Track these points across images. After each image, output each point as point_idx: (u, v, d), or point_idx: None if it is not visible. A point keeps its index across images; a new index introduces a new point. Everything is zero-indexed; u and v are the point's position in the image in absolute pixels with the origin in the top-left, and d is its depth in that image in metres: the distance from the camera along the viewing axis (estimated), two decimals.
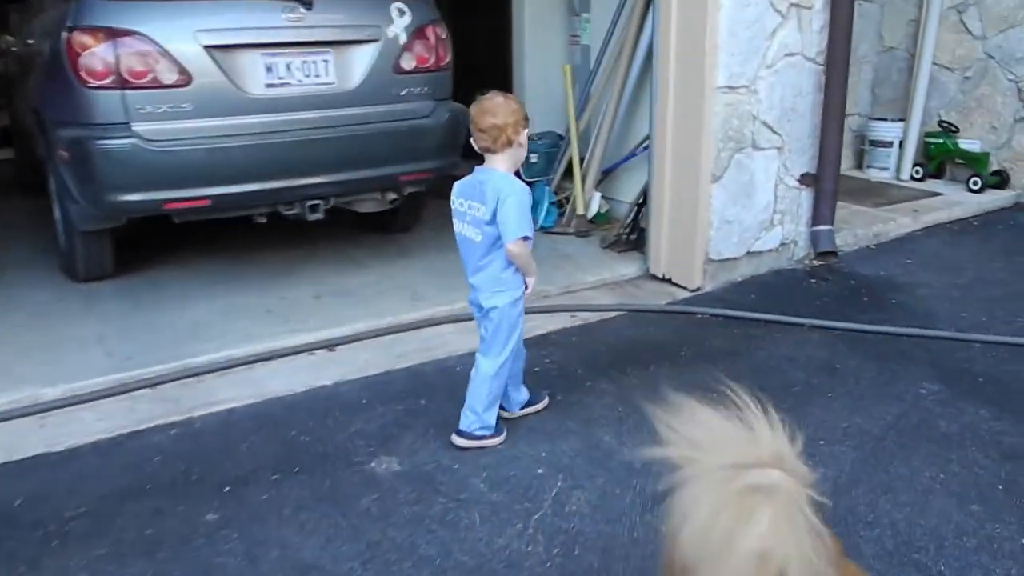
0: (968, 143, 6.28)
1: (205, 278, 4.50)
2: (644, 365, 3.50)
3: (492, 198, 2.60)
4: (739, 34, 4.05)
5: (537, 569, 2.29)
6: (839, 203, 4.76)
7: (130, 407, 3.17)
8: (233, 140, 3.79)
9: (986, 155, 6.17)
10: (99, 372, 3.37)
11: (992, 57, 6.16)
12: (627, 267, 4.65)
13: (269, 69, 3.86)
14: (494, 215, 2.60)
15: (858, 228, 5.11)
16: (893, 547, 2.36)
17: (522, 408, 3.08)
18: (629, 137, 5.28)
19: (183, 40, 3.66)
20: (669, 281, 4.47)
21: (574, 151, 5.41)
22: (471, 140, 2.73)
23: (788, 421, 1.41)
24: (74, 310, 4.07)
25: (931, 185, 6.30)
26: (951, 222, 5.64)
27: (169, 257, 4.81)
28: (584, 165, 5.40)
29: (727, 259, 4.42)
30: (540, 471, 2.74)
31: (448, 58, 4.43)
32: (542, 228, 5.39)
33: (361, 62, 4.09)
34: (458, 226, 2.80)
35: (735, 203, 4.33)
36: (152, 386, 3.32)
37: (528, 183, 5.85)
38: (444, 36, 4.36)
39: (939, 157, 6.40)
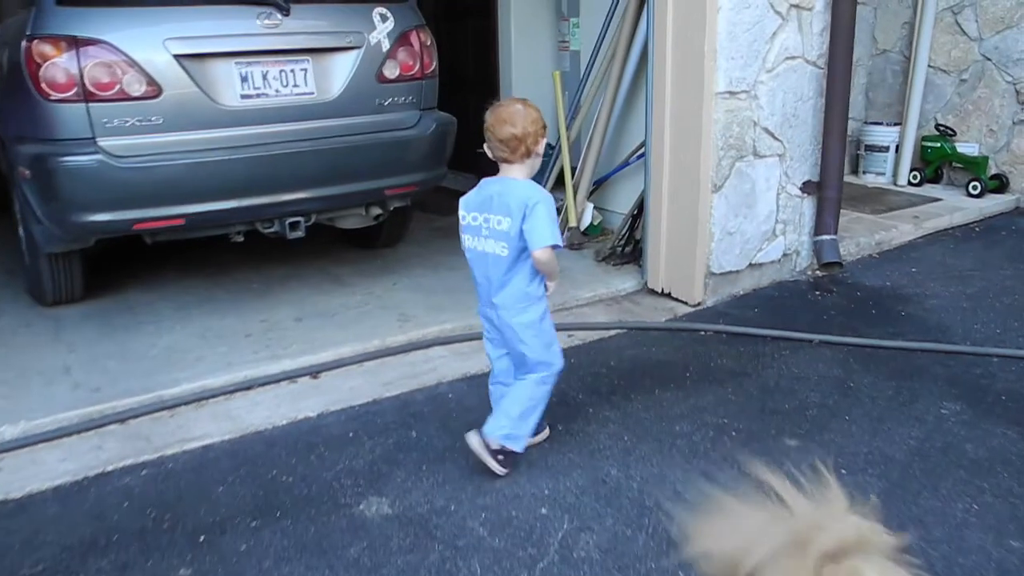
0: (966, 147, 6.14)
1: (181, 300, 4.26)
2: (648, 389, 3.30)
3: (518, 207, 2.43)
4: (739, 37, 3.87)
5: None
6: None
7: (97, 445, 2.94)
8: (207, 155, 3.56)
9: (985, 159, 6.03)
10: (64, 406, 3.13)
11: (989, 59, 6.02)
12: (624, 281, 4.45)
13: (244, 79, 3.64)
14: (522, 225, 2.44)
15: (860, 236, 4.94)
16: None
17: None
18: (622, 145, 5.09)
19: (152, 49, 3.43)
20: (668, 296, 4.28)
21: (565, 161, 5.21)
22: (484, 148, 2.56)
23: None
24: (40, 337, 3.82)
25: (929, 190, 6.16)
26: (952, 228, 5.49)
27: (143, 278, 4.57)
28: (576, 175, 5.20)
29: (728, 272, 4.23)
30: (544, 511, 2.52)
31: (434, 65, 4.22)
32: None
33: (342, 70, 3.88)
34: (472, 242, 2.60)
35: (736, 214, 4.14)
36: (122, 421, 3.08)
37: None
38: (429, 42, 4.16)
39: (936, 161, 6.25)
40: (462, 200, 2.63)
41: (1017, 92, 5.91)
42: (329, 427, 3.05)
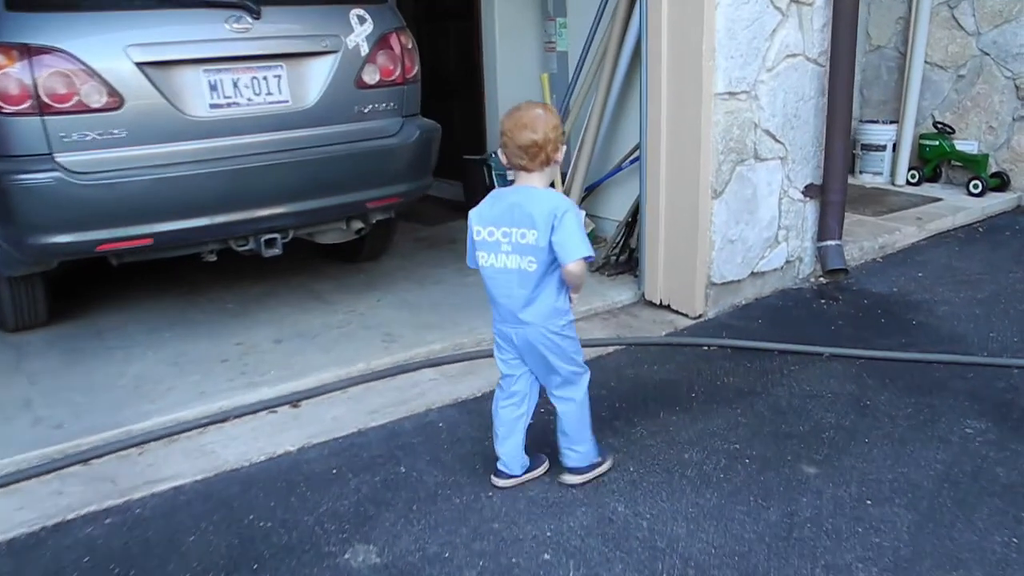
0: (965, 144, 5.97)
1: (152, 322, 4.02)
2: (653, 412, 3.08)
3: (546, 218, 2.27)
4: (738, 35, 3.66)
5: None
6: None
7: (58, 490, 2.69)
8: (175, 169, 3.32)
9: (985, 157, 5.86)
10: (23, 446, 2.88)
11: (987, 54, 5.85)
12: (620, 293, 4.23)
13: (213, 87, 3.40)
14: (551, 237, 2.28)
15: (863, 240, 4.75)
16: None
17: (524, 473, 2.65)
18: (614, 150, 4.88)
19: (112, 57, 3.19)
20: (668, 307, 4.07)
21: None
22: (500, 155, 2.39)
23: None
24: None
25: (928, 190, 5.98)
26: (955, 229, 5.31)
27: (113, 298, 4.32)
28: (566, 181, 4.99)
29: (730, 282, 4.02)
30: (547, 556, 2.30)
31: (415, 70, 4.00)
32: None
33: (318, 77, 3.64)
34: (489, 259, 2.41)
35: (738, 220, 3.94)
36: (85, 461, 2.84)
37: None
38: (410, 45, 3.93)
39: (935, 160, 6.07)
40: (473, 214, 2.44)
41: (1017, 87, 5.73)
42: (311, 463, 2.81)
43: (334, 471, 2.76)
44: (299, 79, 3.61)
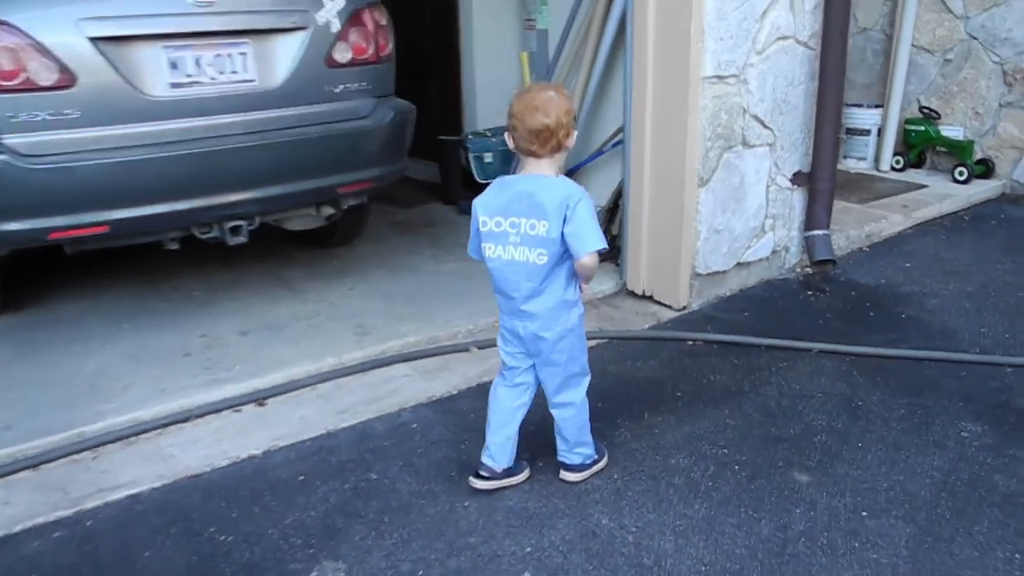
0: (950, 130, 5.86)
1: (113, 312, 3.82)
2: (637, 413, 2.95)
3: (558, 208, 2.15)
4: (728, 16, 3.50)
5: None
6: None
7: (4, 500, 2.52)
8: (133, 153, 3.12)
9: (971, 143, 5.76)
10: None
11: (975, 38, 5.73)
12: (601, 282, 4.08)
13: (174, 65, 3.19)
14: (563, 228, 2.17)
15: (850, 229, 4.63)
16: None
17: (505, 476, 2.51)
18: (596, 132, 4.72)
19: (63, 31, 2.97)
20: (650, 299, 3.93)
21: None
22: (507, 139, 2.26)
23: None
24: None
25: (913, 176, 5.88)
26: (941, 217, 5.22)
27: (72, 286, 4.11)
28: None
29: (715, 272, 3.89)
30: (527, 575, 2.16)
31: (389, 48, 3.80)
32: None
33: (286, 55, 3.44)
34: (496, 251, 2.27)
35: (724, 209, 3.80)
36: (35, 467, 2.67)
37: (483, 185, 5.27)
38: (384, 22, 3.73)
39: (920, 146, 5.97)
40: (478, 202, 2.29)
41: (1004, 73, 5.63)
42: (276, 469, 2.65)
43: (301, 478, 2.60)
44: (266, 57, 3.40)
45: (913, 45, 5.91)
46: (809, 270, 4.26)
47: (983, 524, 2.33)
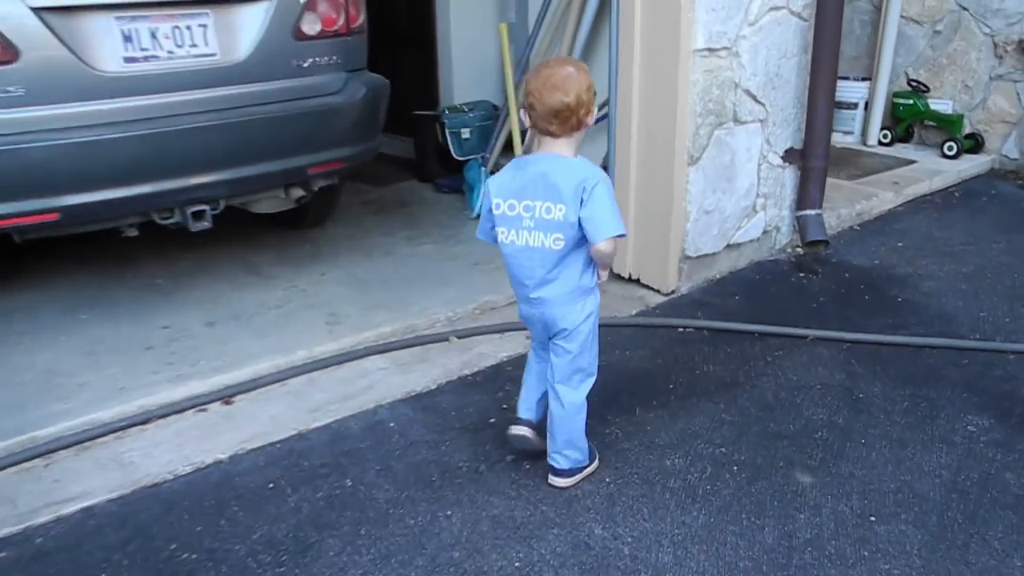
0: (939, 104, 5.73)
1: (70, 301, 3.60)
2: (627, 408, 2.79)
3: (574, 191, 2.05)
4: None
5: None
6: None
7: None
8: (84, 133, 2.89)
9: (960, 117, 5.63)
10: None
11: (965, 8, 5.57)
12: None
13: (128, 38, 2.96)
14: (580, 212, 2.07)
15: (841, 207, 4.49)
16: None
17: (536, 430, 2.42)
18: None
19: (2, 1, 2.73)
20: (637, 282, 3.77)
21: (514, 124, 4.63)
22: (523, 117, 2.14)
23: None
24: None
25: (901, 151, 5.74)
26: (932, 194, 5.09)
27: (24, 274, 3.87)
28: (527, 140, 4.63)
29: (705, 255, 3.73)
30: None
31: (361, 19, 3.57)
32: (480, 217, 4.59)
33: (250, 26, 3.21)
34: (510, 235, 2.17)
35: (715, 189, 3.63)
36: None
37: (460, 162, 5.08)
38: None
39: (908, 119, 5.82)
40: (492, 183, 2.19)
41: (995, 45, 5.48)
42: (244, 475, 2.47)
43: (271, 485, 2.42)
44: (228, 29, 3.17)
45: (902, 16, 5.75)
46: (800, 251, 4.11)
47: (997, 528, 2.20)
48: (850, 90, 5.92)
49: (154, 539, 2.20)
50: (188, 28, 3.08)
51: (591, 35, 4.27)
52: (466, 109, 5.05)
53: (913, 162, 5.43)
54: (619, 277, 3.83)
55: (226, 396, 2.87)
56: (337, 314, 3.42)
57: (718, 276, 3.85)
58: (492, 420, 2.71)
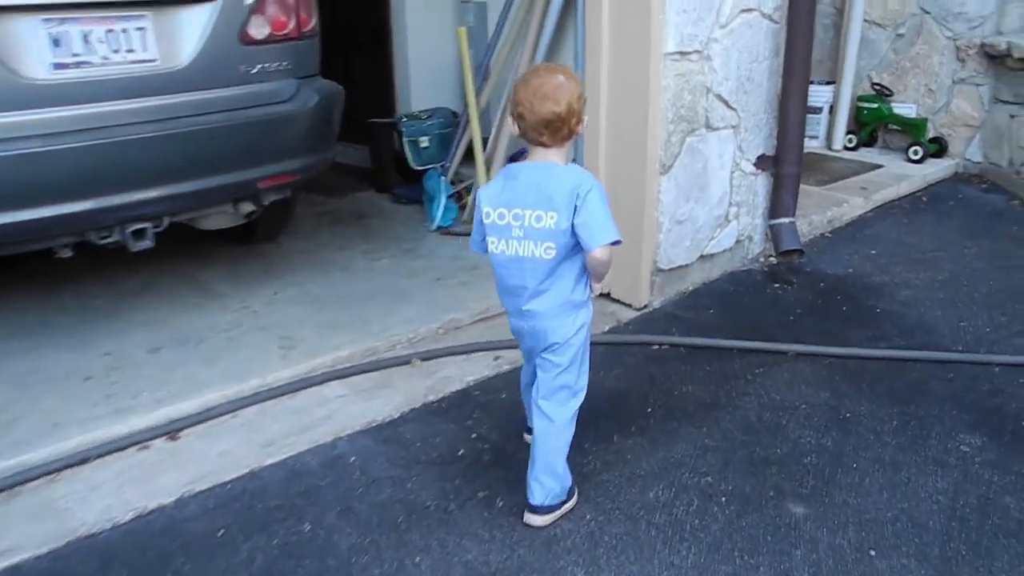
0: (903, 107, 5.66)
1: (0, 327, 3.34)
2: (605, 435, 2.62)
3: (567, 198, 1.98)
4: None
5: None
6: None
7: None
8: (8, 147, 2.63)
9: (924, 121, 5.57)
10: None
11: (927, 12, 5.52)
12: None
13: (57, 42, 2.72)
14: (573, 219, 1.99)
15: (812, 214, 4.38)
16: None
17: None
18: None
19: None
20: (608, 296, 3.61)
21: (475, 131, 4.45)
22: (512, 126, 2.07)
23: None
24: None
25: (867, 155, 5.67)
26: (900, 199, 5.01)
27: None
28: (488, 149, 4.46)
29: (678, 267, 3.58)
30: None
31: (313, 22, 3.37)
32: (439, 229, 4.42)
33: (193, 30, 2.99)
34: (500, 245, 2.08)
35: (687, 198, 3.49)
36: None
37: (419, 172, 4.88)
38: None
39: (873, 123, 5.76)
40: (483, 193, 2.11)
41: (957, 48, 5.43)
42: (191, 521, 2.25)
43: (221, 532, 2.20)
44: (169, 33, 2.95)
45: (864, 19, 5.68)
46: (774, 260, 3.99)
47: (1003, 559, 2.08)
48: (815, 94, 5.77)
49: None
50: (124, 31, 2.84)
51: (555, 38, 4.10)
52: (424, 116, 4.86)
53: (879, 166, 5.35)
54: None
55: (172, 431, 2.64)
56: (292, 337, 3.21)
57: (691, 288, 3.71)
58: (461, 452, 2.53)
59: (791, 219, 3.85)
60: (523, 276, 2.07)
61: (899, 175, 5.18)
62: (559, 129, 1.99)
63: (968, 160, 5.52)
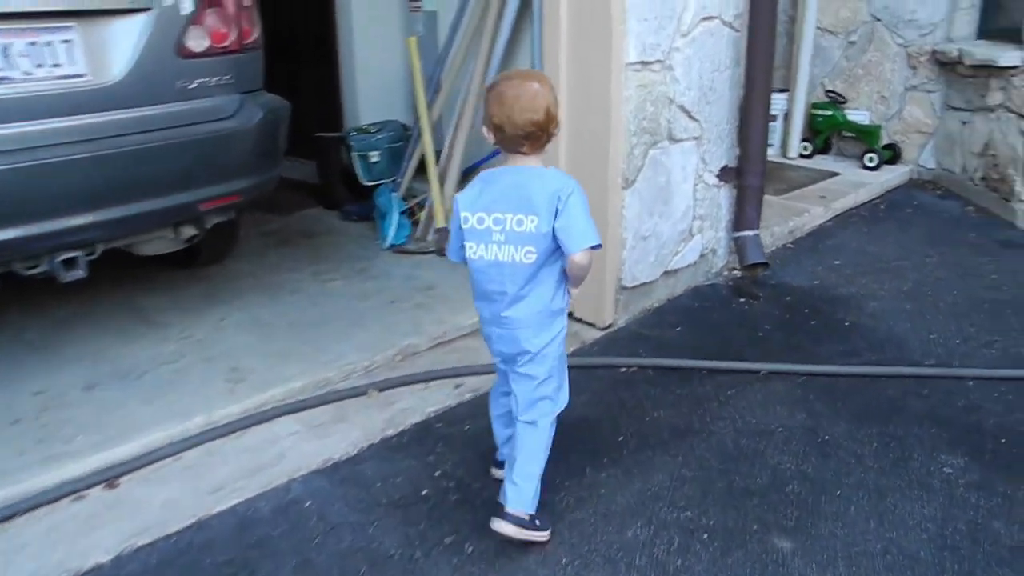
0: (856, 114, 5.66)
1: None
2: (576, 468, 2.48)
3: (547, 201, 1.96)
4: None
5: None
6: None
7: None
8: None
9: (878, 128, 5.57)
10: None
11: (879, 19, 5.53)
12: None
13: None
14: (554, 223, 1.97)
15: (774, 225, 4.31)
16: None
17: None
18: None
19: None
20: (571, 316, 3.44)
21: (427, 145, 4.29)
22: (486, 134, 2.04)
23: None
24: None
25: (822, 163, 5.67)
26: (858, 207, 4.99)
27: None
28: (441, 162, 4.30)
29: (642, 284, 3.47)
30: None
31: (256, 33, 3.18)
32: (392, 247, 4.24)
33: (125, 43, 2.78)
34: (479, 250, 2.05)
35: (651, 212, 3.37)
36: None
37: (369, 188, 4.70)
38: (248, 2, 3.11)
39: (827, 131, 5.74)
40: (461, 198, 2.08)
41: (909, 56, 5.44)
42: None
43: None
44: (99, 46, 2.74)
45: (817, 27, 5.66)
46: (738, 273, 3.90)
47: None
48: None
49: None
50: (49, 44, 2.63)
51: (509, 48, 3.97)
52: (374, 130, 4.69)
53: (836, 174, 5.33)
54: None
55: (109, 478, 2.44)
56: (240, 368, 3.01)
57: (656, 305, 3.60)
58: (425, 492, 2.37)
59: (755, 232, 3.76)
60: (502, 281, 2.04)
61: (856, 182, 5.15)
62: (539, 137, 1.98)
63: (922, 166, 5.52)
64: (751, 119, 3.58)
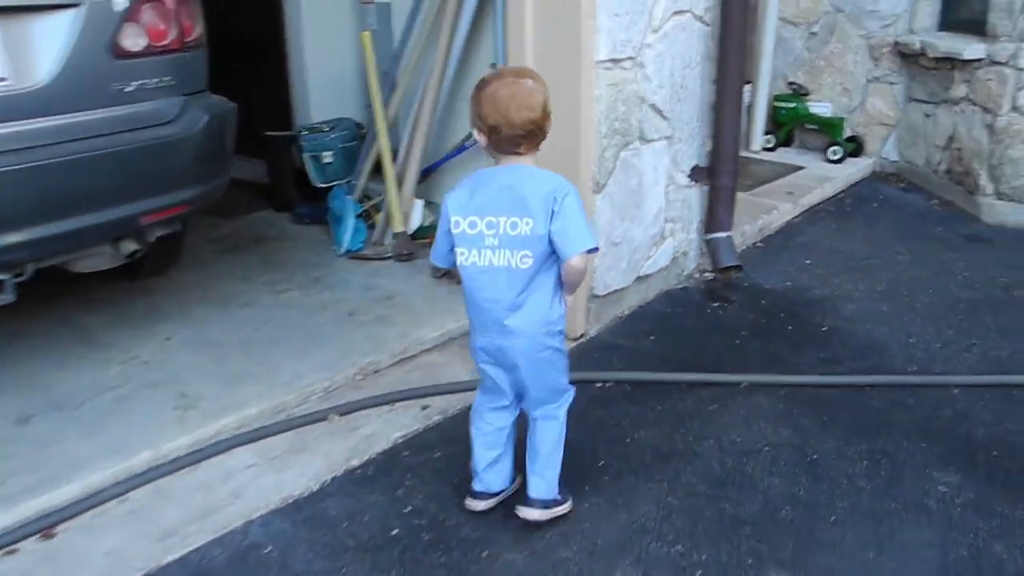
0: (819, 107, 5.58)
1: None
2: None
3: (544, 202, 1.91)
4: None
5: None
6: None
7: None
8: None
9: (841, 120, 5.49)
10: None
11: (841, 10, 5.45)
12: None
13: None
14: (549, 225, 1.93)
15: (744, 223, 4.19)
16: None
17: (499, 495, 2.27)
18: (458, 123, 4.02)
19: None
20: None
21: (383, 145, 4.07)
22: (478, 137, 1.98)
23: None
24: None
25: (785, 156, 5.58)
26: (825, 201, 4.92)
27: None
28: (398, 163, 4.09)
29: (614, 291, 3.32)
30: None
31: (198, 30, 2.95)
32: (348, 253, 4.03)
33: (51, 42, 2.53)
34: (471, 256, 1.99)
35: (623, 217, 3.23)
36: None
37: (322, 190, 4.48)
38: None
39: (790, 124, 5.65)
40: (451, 201, 2.01)
41: (871, 47, 5.37)
42: None
43: None
44: (21, 45, 2.48)
45: (779, 17, 5.55)
46: (709, 275, 3.77)
47: None
48: None
49: None
50: None
51: (469, 43, 3.78)
52: (326, 128, 4.45)
53: (801, 168, 5.25)
54: None
55: (45, 527, 2.21)
56: (189, 394, 2.79)
57: (627, 312, 3.46)
58: (395, 532, 2.19)
59: (727, 233, 3.64)
60: (498, 288, 1.98)
61: (821, 176, 5.08)
62: (536, 136, 1.94)
63: (884, 159, 5.47)
64: (723, 117, 3.46)
